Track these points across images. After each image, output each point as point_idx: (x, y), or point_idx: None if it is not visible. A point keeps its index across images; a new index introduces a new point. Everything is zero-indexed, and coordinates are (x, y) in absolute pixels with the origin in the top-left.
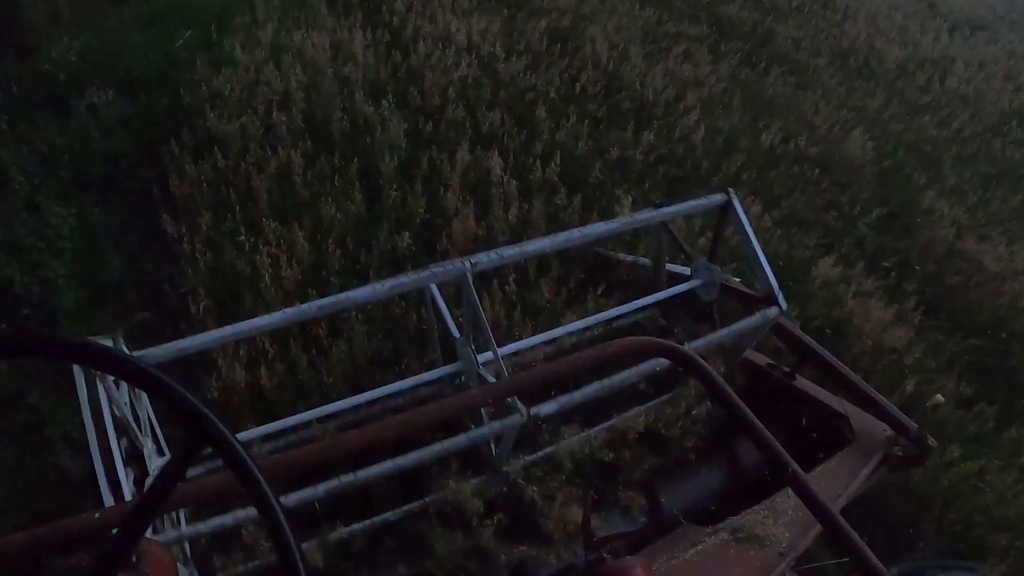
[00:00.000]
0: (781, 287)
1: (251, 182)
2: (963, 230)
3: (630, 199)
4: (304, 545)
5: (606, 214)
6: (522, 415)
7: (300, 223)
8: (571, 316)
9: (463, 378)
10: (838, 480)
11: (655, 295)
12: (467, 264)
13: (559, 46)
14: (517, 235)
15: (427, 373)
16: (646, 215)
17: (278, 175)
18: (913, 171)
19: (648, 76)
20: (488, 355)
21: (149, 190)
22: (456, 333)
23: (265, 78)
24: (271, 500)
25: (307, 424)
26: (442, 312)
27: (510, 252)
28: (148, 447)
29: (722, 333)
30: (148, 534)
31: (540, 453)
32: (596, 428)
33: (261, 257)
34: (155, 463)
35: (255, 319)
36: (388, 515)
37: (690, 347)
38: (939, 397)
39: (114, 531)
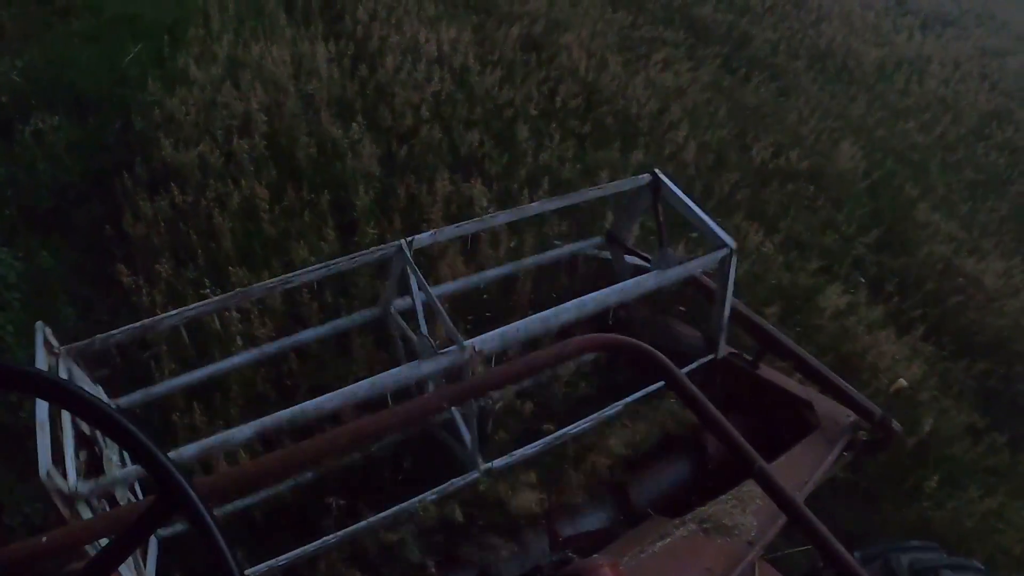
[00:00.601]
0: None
1: (213, 220)
2: (958, 245)
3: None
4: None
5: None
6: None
7: (269, 268)
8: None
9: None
10: (804, 466)
11: (617, 287)
12: (404, 244)
13: (534, 55)
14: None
15: (389, 372)
16: (580, 195)
17: (242, 211)
18: (903, 181)
19: (629, 87)
20: (453, 348)
21: (101, 228)
22: (423, 330)
23: (223, 99)
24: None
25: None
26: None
27: (450, 231)
28: (111, 459)
29: (678, 269)
30: None
31: (516, 454)
32: (572, 427)
33: (230, 311)
34: (116, 474)
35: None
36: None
37: None
38: (902, 381)
39: None
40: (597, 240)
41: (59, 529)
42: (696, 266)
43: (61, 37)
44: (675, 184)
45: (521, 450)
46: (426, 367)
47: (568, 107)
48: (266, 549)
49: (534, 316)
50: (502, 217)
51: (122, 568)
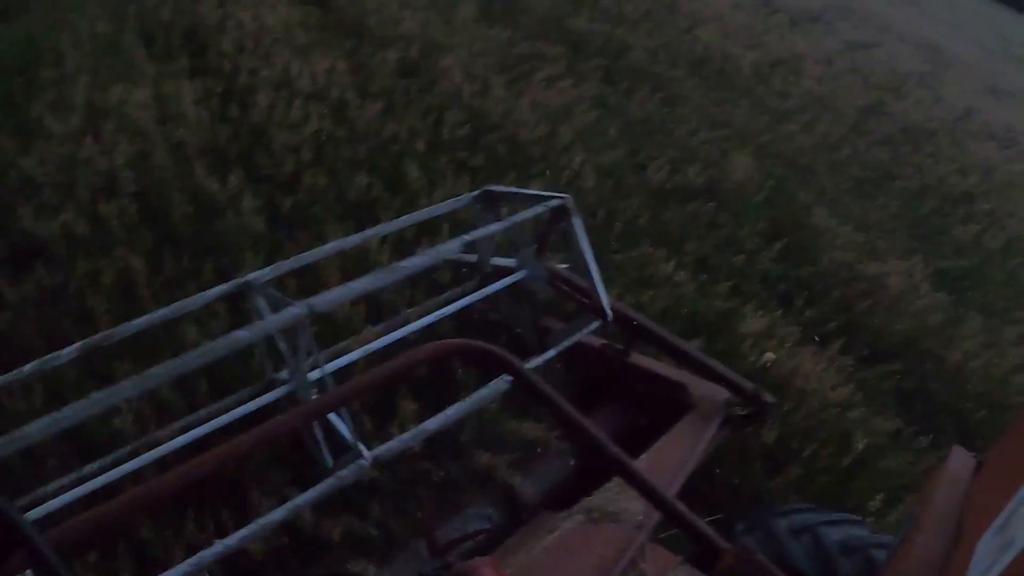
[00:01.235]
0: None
1: (87, 302)
2: (857, 248)
3: None
4: None
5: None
6: (365, 460)
7: (159, 356)
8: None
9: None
10: (683, 447)
11: (482, 291)
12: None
13: (413, 82)
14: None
15: (255, 401)
16: (490, 228)
17: (118, 289)
18: (796, 188)
19: (515, 110)
20: (317, 372)
21: None
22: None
23: (84, 154)
24: None
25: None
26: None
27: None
28: None
29: (550, 354)
30: None
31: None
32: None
33: (122, 415)
34: None
35: None
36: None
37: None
38: (771, 355)
39: None
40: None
41: None
42: (573, 338)
43: None
44: (579, 215)
45: (407, 435)
46: (260, 328)
47: (456, 137)
48: None
49: (372, 274)
50: (353, 238)
51: None
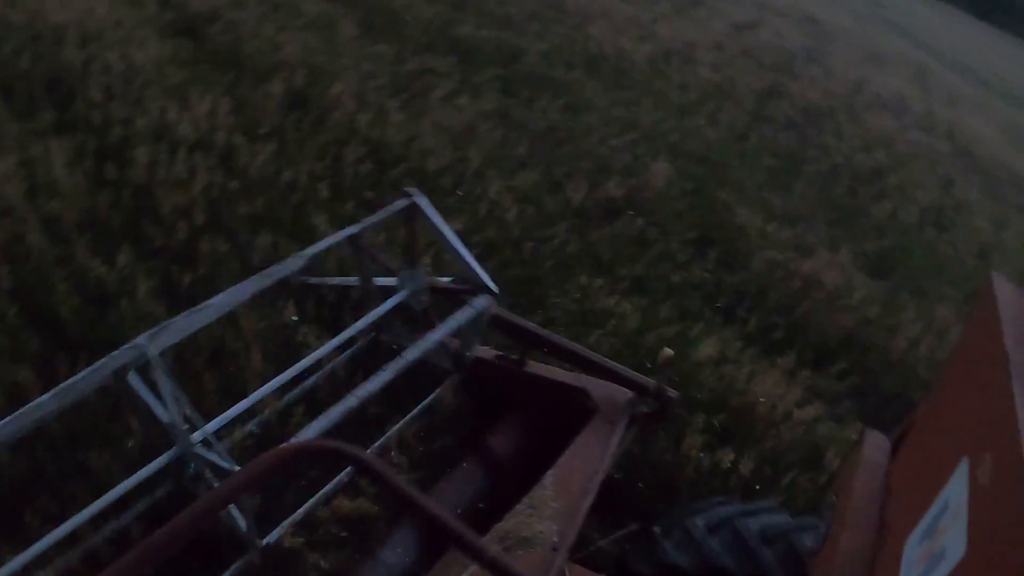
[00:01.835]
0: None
1: None
2: (786, 245)
3: None
4: None
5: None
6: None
7: (74, 498)
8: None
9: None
10: (591, 455)
11: (367, 317)
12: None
13: (304, 115)
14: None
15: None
16: (333, 238)
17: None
18: (714, 188)
19: (418, 137)
20: (199, 434)
21: None
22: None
23: None
24: None
25: None
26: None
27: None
28: None
29: (435, 335)
30: None
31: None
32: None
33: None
34: None
35: None
36: None
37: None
38: (668, 350)
39: None
40: None
41: None
42: (456, 322)
43: None
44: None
45: (293, 515)
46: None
47: (360, 175)
48: None
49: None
50: (249, 287)
51: None
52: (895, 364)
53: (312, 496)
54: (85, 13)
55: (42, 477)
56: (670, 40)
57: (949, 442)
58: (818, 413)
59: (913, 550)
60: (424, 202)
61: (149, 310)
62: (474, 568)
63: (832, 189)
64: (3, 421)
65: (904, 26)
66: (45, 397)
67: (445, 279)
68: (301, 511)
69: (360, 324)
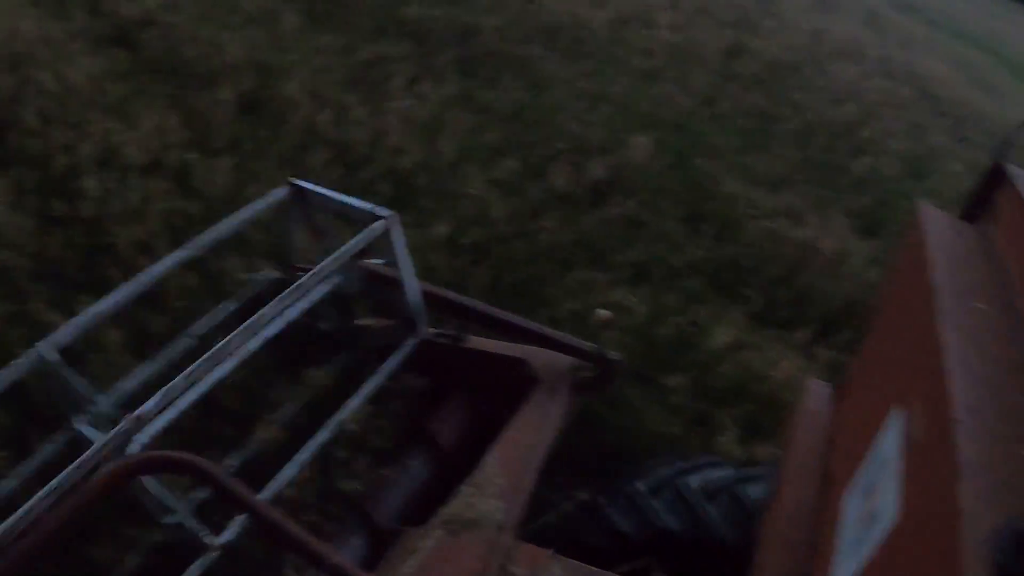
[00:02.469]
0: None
1: None
2: (775, 211)
3: None
4: None
5: None
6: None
7: None
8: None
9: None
10: (535, 427)
11: (298, 304)
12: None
13: (259, 121)
14: None
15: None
16: (212, 231)
17: None
18: (693, 156)
19: (384, 134)
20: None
21: None
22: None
23: None
24: None
25: None
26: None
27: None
28: None
29: (370, 386)
30: None
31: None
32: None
33: None
34: None
35: None
36: None
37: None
38: (605, 312)
39: None
40: None
41: None
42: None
43: None
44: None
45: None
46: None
47: (328, 182)
48: None
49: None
50: (126, 290)
51: None
52: None
53: None
54: (8, 32)
55: None
56: (625, 5)
57: (884, 390)
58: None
59: (852, 508)
60: (396, 226)
61: (123, 363)
62: (424, 549)
63: (809, 147)
64: None
65: None
66: None
67: (377, 261)
68: None
69: (292, 312)
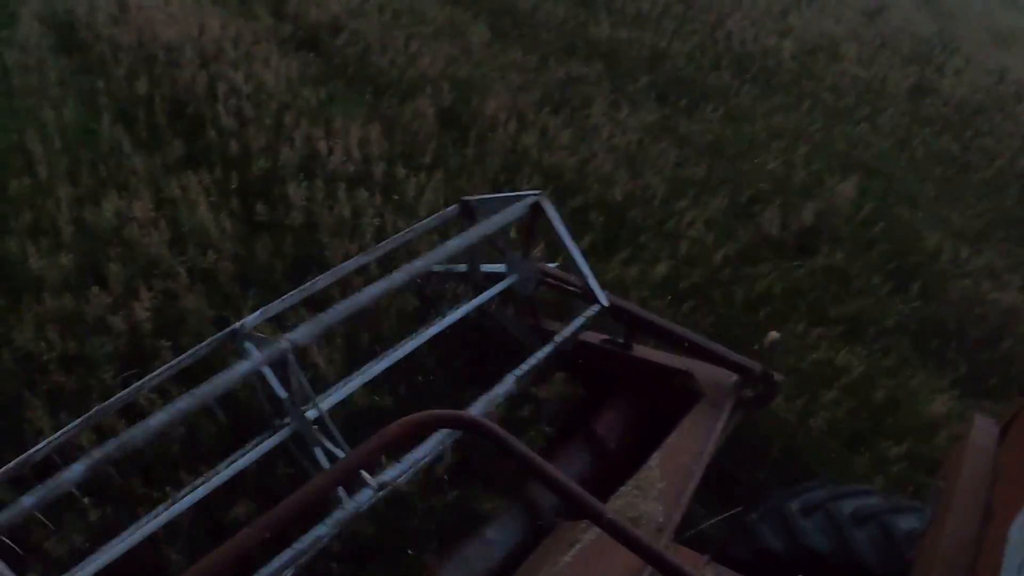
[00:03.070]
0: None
1: None
2: (976, 270)
3: None
4: None
5: None
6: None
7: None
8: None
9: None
10: (697, 437)
11: (474, 300)
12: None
13: (460, 137)
14: None
15: (261, 446)
16: (458, 241)
17: None
18: (894, 204)
19: (590, 160)
20: (314, 411)
21: None
22: (282, 393)
23: (94, 311)
24: None
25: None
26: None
27: (337, 312)
28: None
29: (548, 349)
30: None
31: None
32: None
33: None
34: None
35: None
36: None
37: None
38: (774, 333)
39: None
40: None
41: None
42: (571, 330)
43: None
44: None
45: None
46: (244, 367)
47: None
48: None
49: (343, 302)
50: (350, 264)
51: None
52: None
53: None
54: (198, 29)
55: None
56: (808, 33)
57: None
58: None
59: (1019, 533)
60: (546, 202)
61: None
62: (584, 542)
63: (1003, 197)
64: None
65: None
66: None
67: (552, 264)
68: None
69: (468, 307)
